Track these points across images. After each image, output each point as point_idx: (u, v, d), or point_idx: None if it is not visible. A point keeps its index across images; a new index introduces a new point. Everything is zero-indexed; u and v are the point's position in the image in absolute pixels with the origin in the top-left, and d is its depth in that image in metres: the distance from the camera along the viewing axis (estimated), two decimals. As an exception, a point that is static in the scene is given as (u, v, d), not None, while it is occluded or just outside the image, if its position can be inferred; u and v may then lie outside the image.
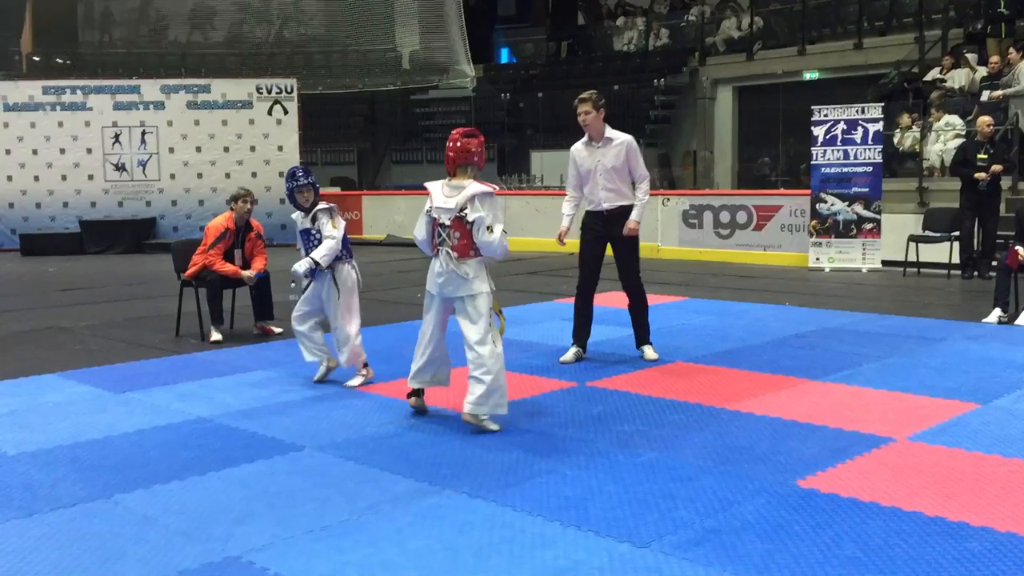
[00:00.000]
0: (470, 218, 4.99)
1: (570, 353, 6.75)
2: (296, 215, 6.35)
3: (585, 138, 6.65)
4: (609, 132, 6.58)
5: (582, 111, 6.50)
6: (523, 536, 3.60)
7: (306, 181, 6.20)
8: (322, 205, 6.26)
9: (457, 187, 5.08)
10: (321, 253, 6.10)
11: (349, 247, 6.33)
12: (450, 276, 5.09)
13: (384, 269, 13.46)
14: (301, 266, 6.12)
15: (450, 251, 5.08)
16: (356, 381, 6.15)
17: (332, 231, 6.18)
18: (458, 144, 5.14)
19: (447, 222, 5.08)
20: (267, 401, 5.77)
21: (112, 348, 7.65)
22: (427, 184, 5.26)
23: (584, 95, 6.54)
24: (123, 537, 3.67)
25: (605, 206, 6.58)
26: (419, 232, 5.28)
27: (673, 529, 3.63)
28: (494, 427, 5.03)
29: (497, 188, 5.18)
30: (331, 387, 6.09)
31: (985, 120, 11.43)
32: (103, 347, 7.73)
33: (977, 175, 11.02)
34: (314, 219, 6.22)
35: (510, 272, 12.84)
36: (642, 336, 6.86)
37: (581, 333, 6.80)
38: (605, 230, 6.62)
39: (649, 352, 6.78)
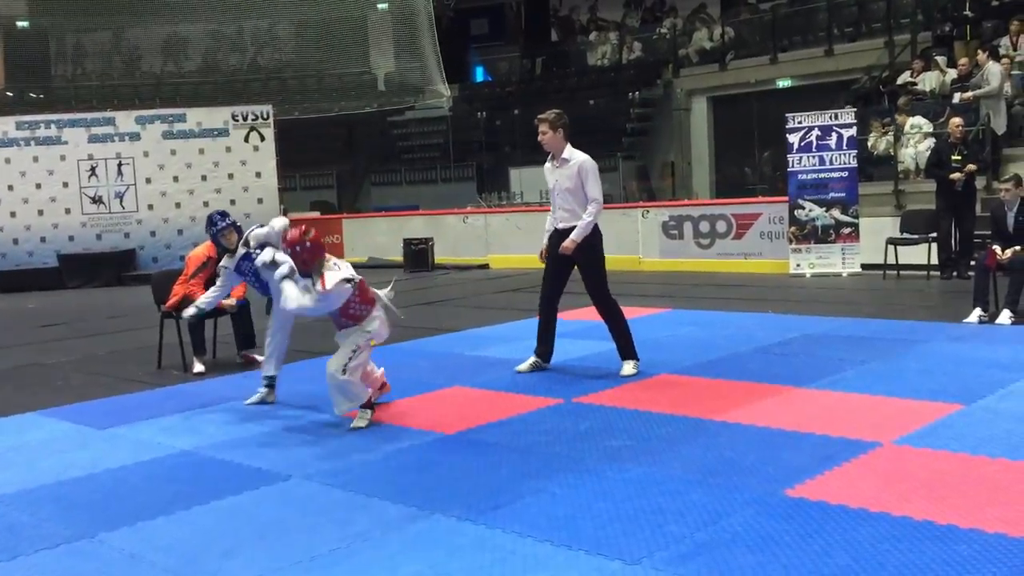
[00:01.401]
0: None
1: (526, 363, 6.86)
2: (224, 260, 6.61)
3: (550, 156, 6.77)
4: (568, 152, 6.64)
5: (539, 131, 6.64)
6: (514, 558, 3.58)
7: (226, 223, 6.51)
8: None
9: None
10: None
11: None
12: None
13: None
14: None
15: None
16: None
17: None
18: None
19: None
20: (252, 431, 5.73)
21: (94, 383, 7.59)
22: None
23: (542, 115, 6.66)
24: (110, 576, 3.63)
25: (560, 225, 6.69)
26: None
27: (664, 544, 3.62)
28: (361, 423, 5.58)
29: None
30: (315, 415, 6.05)
31: (955, 121, 11.55)
32: (85, 382, 7.66)
33: (952, 176, 11.12)
34: (247, 255, 6.41)
35: (493, 290, 12.85)
36: (625, 350, 6.75)
37: (541, 345, 6.93)
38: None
39: (626, 368, 6.68)
